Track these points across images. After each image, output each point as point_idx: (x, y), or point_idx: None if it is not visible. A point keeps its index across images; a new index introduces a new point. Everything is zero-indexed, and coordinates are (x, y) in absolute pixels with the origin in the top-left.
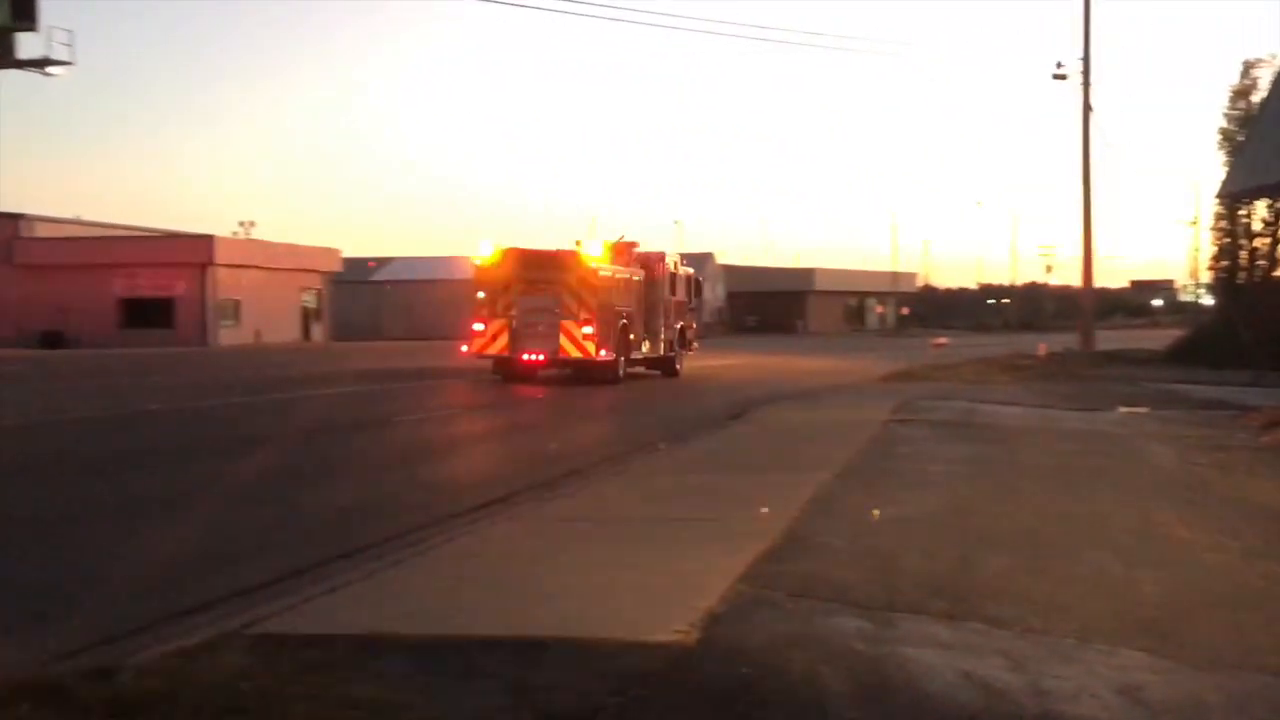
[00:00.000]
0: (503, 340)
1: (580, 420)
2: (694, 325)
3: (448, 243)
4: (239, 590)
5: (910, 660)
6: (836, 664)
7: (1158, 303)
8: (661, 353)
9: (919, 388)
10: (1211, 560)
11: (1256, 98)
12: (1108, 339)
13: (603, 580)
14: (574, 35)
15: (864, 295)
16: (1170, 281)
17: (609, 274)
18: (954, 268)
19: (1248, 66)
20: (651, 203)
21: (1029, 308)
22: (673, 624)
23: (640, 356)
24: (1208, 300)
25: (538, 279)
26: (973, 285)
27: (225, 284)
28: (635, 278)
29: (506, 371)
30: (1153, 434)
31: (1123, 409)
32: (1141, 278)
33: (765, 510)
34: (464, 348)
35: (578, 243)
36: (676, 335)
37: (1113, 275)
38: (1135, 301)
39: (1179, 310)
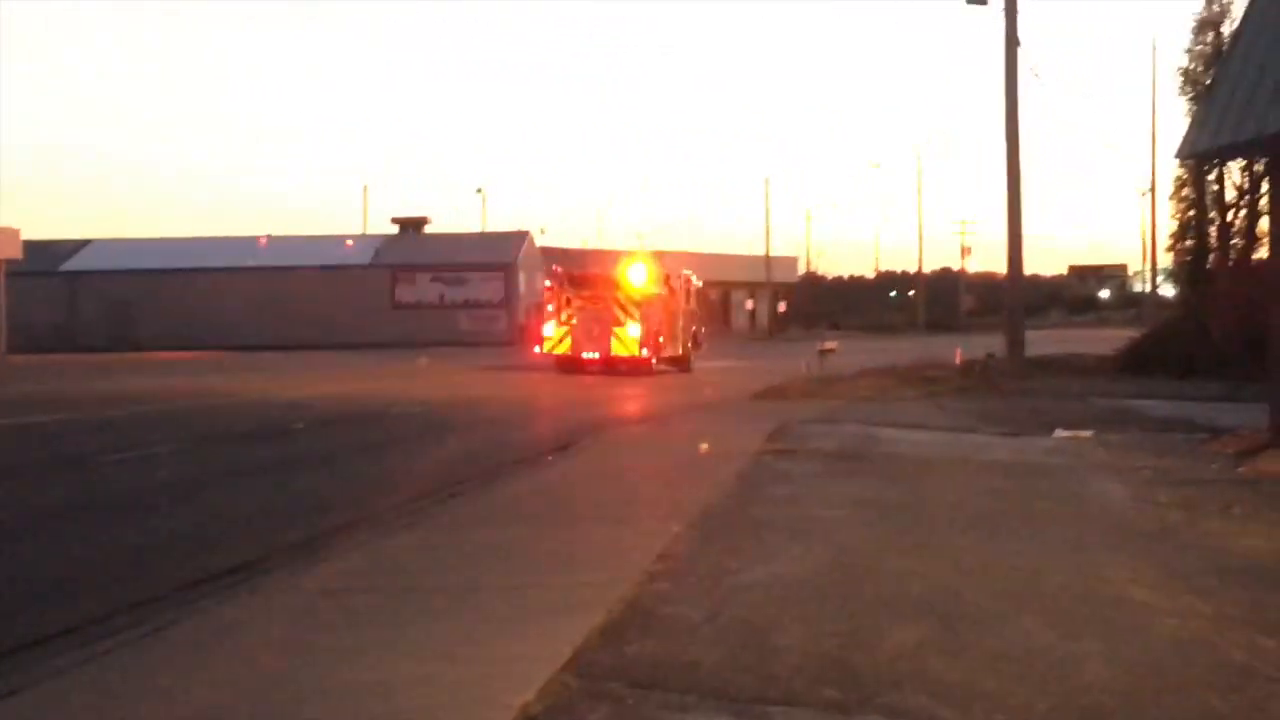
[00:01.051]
0: (566, 343)
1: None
2: (703, 329)
3: (165, 222)
4: None
5: None
6: None
7: (1105, 294)
8: (680, 352)
9: (801, 407)
10: (1176, 629)
11: (1227, 29)
12: (1042, 341)
13: (385, 673)
14: None
15: (729, 286)
16: (1120, 267)
17: (646, 290)
18: (845, 251)
19: None
20: (452, 168)
21: (941, 302)
22: None
23: (666, 356)
24: (1168, 290)
25: (593, 295)
26: (869, 273)
27: None
28: (662, 292)
29: (568, 367)
30: (1100, 465)
31: (1062, 433)
32: (1084, 262)
33: (599, 573)
34: (536, 348)
35: (624, 263)
36: (690, 337)
37: (1048, 260)
38: (1077, 293)
39: (1132, 303)
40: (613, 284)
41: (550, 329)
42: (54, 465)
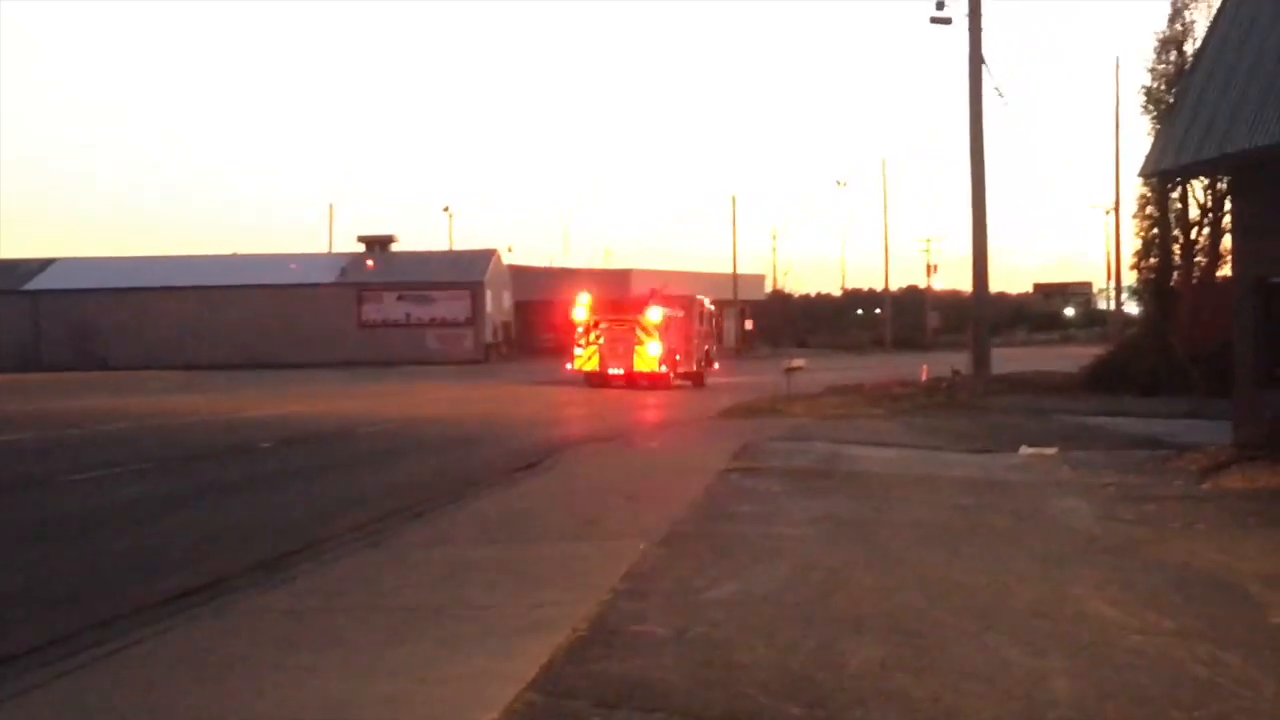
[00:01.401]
0: (595, 360)
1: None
2: (715, 348)
3: (129, 241)
4: None
5: None
6: None
7: (1070, 312)
8: (694, 369)
9: (767, 425)
10: (1141, 645)
11: (1190, 48)
12: (1008, 359)
13: (351, 692)
14: None
15: None
16: (1086, 285)
17: (666, 314)
18: (812, 268)
19: (1178, 9)
20: (418, 187)
21: (908, 320)
22: None
23: (682, 372)
24: (1133, 308)
25: (618, 318)
26: (836, 291)
27: None
28: (680, 315)
29: (596, 382)
30: (1065, 482)
31: (1027, 450)
32: (1049, 280)
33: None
34: (568, 365)
35: (651, 292)
36: (704, 355)
37: (1013, 277)
38: (1042, 311)
39: (1097, 321)
40: (638, 309)
41: (581, 348)
42: (19, 484)
